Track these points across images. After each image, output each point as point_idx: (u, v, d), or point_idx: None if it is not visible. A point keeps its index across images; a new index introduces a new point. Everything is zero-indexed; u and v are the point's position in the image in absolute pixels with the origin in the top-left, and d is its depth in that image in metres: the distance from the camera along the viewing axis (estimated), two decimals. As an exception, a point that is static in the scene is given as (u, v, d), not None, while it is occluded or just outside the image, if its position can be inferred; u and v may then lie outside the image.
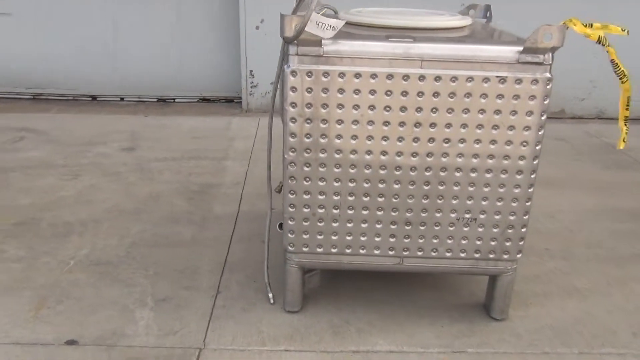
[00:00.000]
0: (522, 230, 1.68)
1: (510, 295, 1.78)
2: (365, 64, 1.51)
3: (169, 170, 2.94)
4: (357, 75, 1.52)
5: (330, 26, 1.46)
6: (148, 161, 3.06)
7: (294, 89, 1.54)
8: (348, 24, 1.73)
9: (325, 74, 1.52)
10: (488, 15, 2.15)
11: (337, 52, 1.51)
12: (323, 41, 1.49)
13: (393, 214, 1.66)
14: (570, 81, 4.13)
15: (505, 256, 1.71)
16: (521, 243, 1.69)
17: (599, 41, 1.59)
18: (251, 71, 4.09)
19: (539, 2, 3.85)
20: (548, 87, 1.53)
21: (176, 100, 4.38)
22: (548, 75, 1.52)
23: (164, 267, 2.03)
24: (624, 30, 1.63)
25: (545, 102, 1.54)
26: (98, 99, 4.36)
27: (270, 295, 1.84)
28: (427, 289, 1.94)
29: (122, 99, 4.36)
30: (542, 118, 1.56)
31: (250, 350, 1.61)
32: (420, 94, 1.53)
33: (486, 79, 1.52)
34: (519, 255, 1.71)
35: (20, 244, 2.15)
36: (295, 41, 1.49)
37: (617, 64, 1.69)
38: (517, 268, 1.75)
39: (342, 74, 1.52)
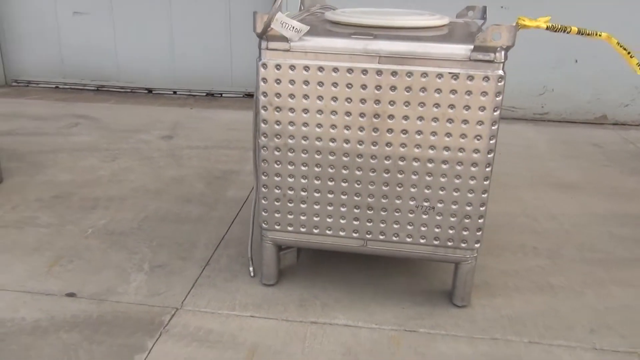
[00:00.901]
0: (480, 221, 1.76)
1: (471, 284, 1.86)
2: (327, 59, 1.66)
3: (197, 157, 3.20)
4: (321, 68, 1.67)
5: (294, 27, 1.62)
6: (181, 148, 3.33)
7: (264, 79, 1.71)
8: (332, 22, 1.88)
9: (292, 67, 1.68)
10: (484, 16, 2.23)
11: (302, 47, 1.67)
12: (292, 39, 1.65)
13: (356, 198, 1.79)
14: (613, 86, 4.03)
15: (464, 245, 1.79)
16: (479, 233, 1.77)
17: (550, 28, 1.64)
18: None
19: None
20: (500, 84, 1.61)
21: (223, 95, 4.67)
22: (500, 72, 1.60)
23: (167, 239, 2.26)
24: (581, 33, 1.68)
25: (498, 99, 1.62)
26: (153, 91, 4.73)
27: (251, 268, 2.02)
28: (402, 274, 2.05)
29: (174, 92, 4.70)
30: (495, 113, 1.64)
31: (219, 314, 1.80)
32: (378, 87, 1.66)
33: (440, 75, 1.62)
34: (477, 245, 1.79)
35: (53, 213, 2.46)
36: (265, 36, 1.66)
37: (583, 32, 1.71)
38: (477, 257, 1.83)
39: (306, 67, 1.67)
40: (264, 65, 1.69)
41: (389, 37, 1.66)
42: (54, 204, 2.54)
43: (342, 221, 1.83)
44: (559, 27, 1.66)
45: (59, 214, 2.44)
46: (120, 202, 2.58)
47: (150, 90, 4.74)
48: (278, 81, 1.70)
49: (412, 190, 1.75)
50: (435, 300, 1.91)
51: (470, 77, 1.61)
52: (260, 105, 1.74)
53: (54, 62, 4.79)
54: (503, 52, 1.59)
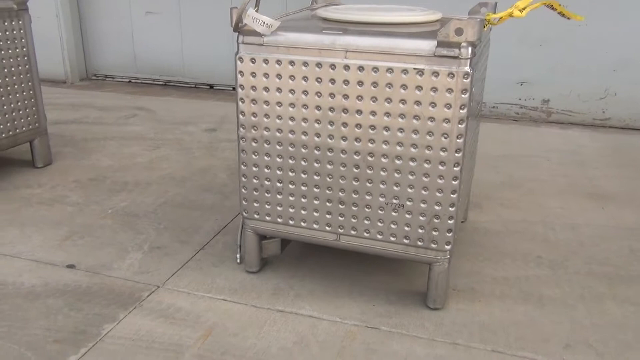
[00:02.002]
0: (449, 222, 1.71)
1: (445, 286, 1.81)
2: (298, 53, 1.70)
3: (231, 149, 3.33)
4: (292, 62, 1.70)
5: (264, 23, 1.68)
6: (219, 141, 3.49)
7: (241, 72, 1.78)
8: (319, 18, 1.92)
9: (266, 60, 1.73)
10: (495, 12, 2.16)
11: (275, 42, 1.72)
12: (264, 33, 1.71)
13: (328, 192, 1.81)
14: (685, 93, 3.69)
15: (434, 245, 1.75)
16: (449, 234, 1.73)
17: (523, 9, 1.57)
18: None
19: None
20: (466, 80, 1.56)
21: (278, 92, 4.79)
22: (466, 69, 1.55)
23: (174, 223, 2.39)
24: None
25: (464, 96, 1.58)
26: (214, 87, 4.96)
27: (238, 255, 2.09)
28: (384, 273, 2.03)
29: (233, 88, 4.90)
30: (462, 111, 1.59)
31: (194, 295, 1.89)
32: (346, 82, 1.67)
33: (405, 71, 1.60)
34: (448, 247, 1.75)
35: (83, 193, 2.68)
36: (241, 31, 1.73)
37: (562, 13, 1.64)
38: (450, 259, 1.78)
39: (279, 61, 1.72)
40: (240, 59, 1.76)
41: (358, 33, 1.66)
42: (87, 186, 2.76)
43: (315, 214, 1.85)
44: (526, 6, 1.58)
45: (88, 195, 2.66)
46: (145, 187, 2.76)
47: (211, 86, 4.97)
48: (253, 74, 1.76)
49: (382, 186, 1.74)
50: (409, 300, 1.88)
51: (435, 74, 1.58)
52: (238, 97, 1.81)
53: (128, 59, 5.17)
54: (469, 48, 1.54)
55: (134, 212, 2.49)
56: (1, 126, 2.70)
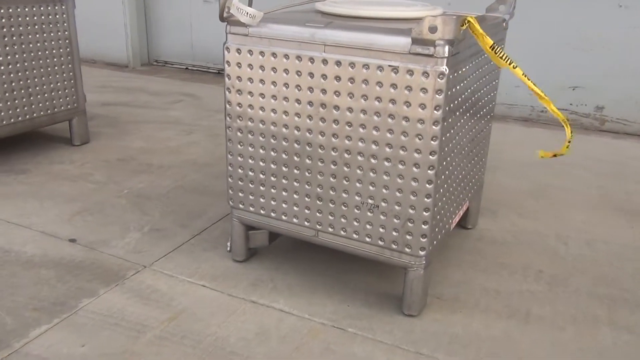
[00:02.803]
0: (424, 227, 1.65)
1: (420, 293, 1.75)
2: (280, 45, 1.69)
3: (260, 139, 3.36)
4: (274, 54, 1.70)
5: (248, 13, 1.68)
6: (251, 130, 3.53)
7: (228, 62, 1.79)
8: (319, 12, 1.89)
9: (250, 51, 1.73)
10: (512, 11, 2.05)
11: (259, 33, 1.71)
12: (249, 24, 1.71)
13: (307, 187, 1.79)
14: None
15: (408, 250, 1.69)
16: (424, 240, 1.66)
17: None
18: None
19: None
20: (441, 80, 1.49)
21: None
22: (441, 68, 1.48)
23: (181, 207, 2.45)
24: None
25: (439, 97, 1.50)
26: (265, 77, 5.02)
27: (228, 244, 2.12)
28: (370, 274, 1.99)
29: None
30: (437, 112, 1.52)
31: (175, 278, 1.94)
32: (324, 76, 1.64)
33: (380, 67, 1.55)
34: (422, 253, 1.68)
35: (107, 173, 2.81)
36: (228, 21, 1.74)
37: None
38: (427, 266, 1.71)
39: (262, 53, 1.71)
40: (227, 49, 1.77)
41: (337, 27, 1.63)
42: (113, 166, 2.89)
43: (295, 208, 1.84)
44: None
45: (111, 174, 2.78)
46: (165, 170, 2.85)
47: (262, 76, 5.04)
48: (239, 65, 1.77)
49: (358, 185, 1.70)
50: (387, 304, 1.83)
51: (410, 72, 1.52)
52: (225, 87, 1.82)
53: (186, 46, 5.34)
54: (446, 47, 1.47)
55: (147, 194, 2.58)
56: (40, 104, 2.88)
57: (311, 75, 1.66)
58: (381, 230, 1.71)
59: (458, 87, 1.62)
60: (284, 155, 1.80)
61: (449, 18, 1.43)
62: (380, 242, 1.73)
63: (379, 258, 1.76)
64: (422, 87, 1.52)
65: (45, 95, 2.89)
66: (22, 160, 2.90)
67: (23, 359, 1.53)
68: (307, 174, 1.78)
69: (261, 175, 1.86)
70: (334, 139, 1.69)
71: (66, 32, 2.93)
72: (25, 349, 1.56)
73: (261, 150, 1.83)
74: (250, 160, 1.87)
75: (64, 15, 2.90)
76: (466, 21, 1.46)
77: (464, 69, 1.65)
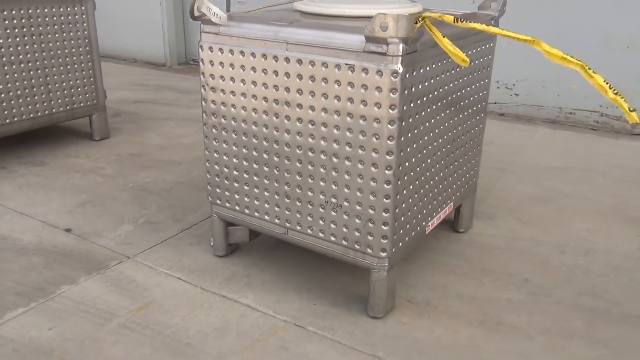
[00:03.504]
0: (384, 227, 1.62)
1: (384, 295, 1.72)
2: (247, 44, 1.70)
3: (273, 137, 3.40)
4: (242, 52, 1.72)
5: (215, 13, 1.71)
6: (267, 128, 3.57)
7: (202, 60, 1.82)
8: (294, 11, 1.90)
9: (221, 49, 1.76)
10: (501, 8, 1.99)
11: (228, 32, 1.74)
12: (220, 23, 1.73)
13: (276, 185, 1.80)
14: None
15: (370, 251, 1.67)
16: (384, 241, 1.63)
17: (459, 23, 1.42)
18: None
19: None
20: (395, 79, 1.46)
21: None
22: (395, 67, 1.45)
23: (178, 202, 2.52)
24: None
25: (394, 95, 1.48)
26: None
27: (212, 239, 2.16)
28: (346, 275, 1.97)
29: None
30: (392, 112, 1.50)
31: (154, 270, 1.99)
32: (287, 74, 1.64)
33: (338, 66, 1.54)
34: (383, 254, 1.65)
35: (117, 167, 2.91)
36: (201, 20, 1.77)
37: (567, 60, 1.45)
38: (390, 268, 1.68)
39: (232, 51, 1.74)
40: (201, 47, 1.80)
41: (299, 25, 1.63)
42: (125, 160, 3.00)
43: (266, 205, 1.85)
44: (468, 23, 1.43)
45: (121, 168, 2.89)
46: (173, 166, 2.93)
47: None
48: (212, 62, 1.80)
49: (322, 184, 1.70)
50: (355, 305, 1.81)
51: (365, 70, 1.50)
52: (201, 84, 1.86)
53: (220, 45, 5.44)
54: (400, 45, 1.44)
55: (150, 188, 2.66)
56: (59, 101, 3.03)
57: (276, 73, 1.67)
58: (344, 230, 1.70)
59: (422, 86, 1.58)
60: (254, 153, 1.81)
61: (401, 16, 1.40)
62: (344, 242, 1.72)
63: (344, 258, 1.75)
64: (376, 85, 1.49)
65: (65, 92, 3.04)
66: (42, 153, 3.05)
67: (-8, 340, 1.62)
68: (275, 171, 1.79)
69: (235, 172, 1.89)
70: (299, 137, 1.69)
71: (85, 32, 3.07)
72: (-3, 330, 1.66)
73: (234, 147, 1.86)
74: (225, 157, 1.89)
75: (84, 16, 3.03)
76: (420, 18, 1.42)
77: (431, 67, 1.61)
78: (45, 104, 2.96)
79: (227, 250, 2.08)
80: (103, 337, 1.63)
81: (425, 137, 1.69)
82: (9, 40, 2.75)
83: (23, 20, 2.78)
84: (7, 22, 2.72)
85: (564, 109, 3.73)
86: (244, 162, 1.85)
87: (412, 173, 1.66)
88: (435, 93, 1.68)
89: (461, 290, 1.90)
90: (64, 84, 3.02)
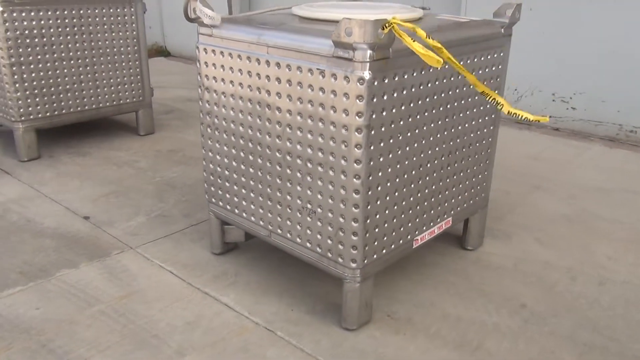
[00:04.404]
0: (354, 238, 1.58)
1: (355, 307, 1.67)
2: (234, 46, 1.73)
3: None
4: (230, 54, 1.74)
5: (208, 15, 1.74)
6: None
7: (198, 61, 1.87)
8: (291, 15, 1.90)
9: (214, 51, 1.79)
10: (513, 15, 1.89)
11: (219, 34, 1.77)
12: (212, 25, 1.77)
13: (260, 187, 1.81)
14: None
15: (341, 260, 1.63)
16: (354, 252, 1.59)
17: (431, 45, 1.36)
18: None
19: None
20: (361, 86, 1.42)
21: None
22: (361, 73, 1.41)
23: (195, 198, 2.59)
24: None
25: (360, 103, 1.44)
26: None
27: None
28: (331, 283, 1.92)
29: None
30: (359, 119, 1.46)
31: (150, 262, 2.06)
32: (268, 77, 1.65)
33: (310, 70, 1.52)
34: (353, 265, 1.61)
35: (152, 161, 3.04)
36: (197, 22, 1.81)
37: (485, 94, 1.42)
38: (363, 280, 1.64)
39: (222, 52, 1.77)
40: (197, 48, 1.85)
41: (281, 29, 1.62)
42: (161, 155, 3.13)
43: (252, 207, 1.86)
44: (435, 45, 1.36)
45: (154, 163, 3.01)
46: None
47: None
48: (206, 63, 1.84)
49: (299, 189, 1.68)
50: (331, 315, 1.77)
51: (334, 76, 1.47)
52: (198, 84, 1.90)
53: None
54: (368, 51, 1.40)
55: (174, 183, 2.76)
56: (106, 96, 3.21)
57: (258, 75, 1.68)
58: (318, 236, 1.67)
59: (399, 94, 1.52)
60: (241, 154, 1.83)
61: (365, 21, 1.36)
62: (318, 249, 1.69)
63: (318, 265, 1.72)
64: (344, 92, 1.46)
65: (112, 88, 3.22)
66: (89, 145, 3.25)
67: (-15, 313, 1.75)
68: (259, 173, 1.79)
69: (226, 172, 1.92)
70: (278, 140, 1.69)
71: (134, 32, 3.23)
72: (-9, 305, 1.79)
73: (225, 148, 1.89)
74: (217, 157, 1.93)
75: (133, 17, 3.20)
76: (387, 24, 1.38)
77: (411, 75, 1.54)
78: (92, 98, 3.16)
79: (222, 249, 2.11)
80: (80, 321, 1.72)
81: (407, 147, 1.63)
82: (61, 38, 2.95)
83: (75, 20, 2.98)
84: (59, 21, 2.93)
85: (624, 126, 3.45)
86: (233, 163, 1.87)
87: (387, 184, 1.60)
88: (419, 102, 1.62)
89: (449, 310, 1.81)
90: (111, 80, 3.20)
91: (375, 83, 1.44)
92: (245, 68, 1.71)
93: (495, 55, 1.88)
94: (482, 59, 1.82)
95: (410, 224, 1.76)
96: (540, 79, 3.71)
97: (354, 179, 1.52)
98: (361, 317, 1.71)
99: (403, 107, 1.57)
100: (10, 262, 2.04)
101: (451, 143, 1.82)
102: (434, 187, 1.81)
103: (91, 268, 2.01)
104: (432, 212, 1.84)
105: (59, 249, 2.14)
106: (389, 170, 1.60)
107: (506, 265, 2.08)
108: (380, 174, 1.57)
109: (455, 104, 1.78)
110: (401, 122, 1.58)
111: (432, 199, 1.82)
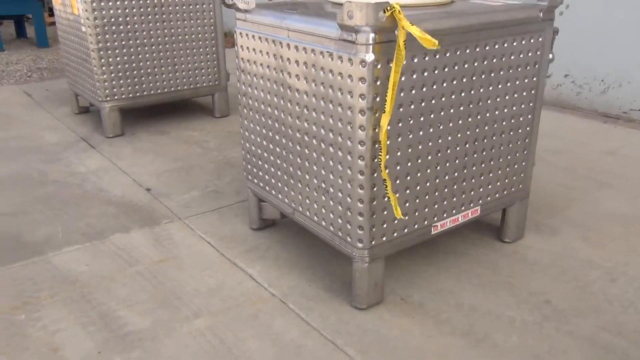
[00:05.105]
0: (359, 218, 1.61)
1: (364, 286, 1.71)
2: (262, 30, 1.81)
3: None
4: (260, 38, 1.83)
5: (243, 0, 1.84)
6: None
7: (236, 45, 1.97)
8: (328, 1, 1.95)
9: (247, 35, 1.89)
10: (555, -1, 1.80)
11: (252, 19, 1.86)
12: (246, 10, 1.87)
13: (285, 165, 1.88)
14: None
15: (349, 239, 1.67)
16: (360, 232, 1.63)
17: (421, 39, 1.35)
18: (547, 60, 3.84)
19: None
20: (363, 68, 1.44)
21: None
22: (363, 56, 1.44)
23: (238, 180, 2.72)
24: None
25: (362, 85, 1.46)
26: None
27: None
28: (357, 263, 1.98)
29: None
30: (362, 101, 1.48)
31: (193, 232, 2.22)
32: (289, 60, 1.72)
33: (322, 53, 1.57)
34: (360, 245, 1.64)
35: (220, 142, 3.23)
36: (235, 8, 1.92)
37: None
38: (372, 261, 1.66)
39: (253, 36, 1.86)
40: (235, 32, 1.95)
41: (302, 13, 1.68)
42: (229, 137, 3.31)
43: (279, 184, 1.95)
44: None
45: (222, 144, 3.20)
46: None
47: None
48: (242, 47, 1.94)
49: (315, 168, 1.74)
50: (346, 294, 1.81)
51: (340, 58, 1.51)
52: (236, 68, 2.01)
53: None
54: (370, 34, 1.42)
55: (234, 162, 2.92)
56: (184, 80, 3.45)
57: (281, 58, 1.75)
58: (331, 215, 1.72)
59: (409, 78, 1.53)
60: (270, 134, 1.92)
61: (365, 4, 1.38)
62: (331, 228, 1.74)
63: (331, 244, 1.77)
64: (348, 74, 1.50)
65: (190, 72, 3.45)
66: (168, 124, 3.52)
67: (44, 264, 2.00)
68: (284, 152, 1.87)
69: (259, 151, 2.02)
70: (298, 121, 1.75)
71: (212, 20, 3.43)
72: (50, 258, 2.03)
73: (257, 127, 1.98)
74: (252, 136, 2.03)
75: (211, 5, 3.40)
76: (388, 8, 1.38)
77: (422, 59, 1.54)
78: (171, 81, 3.40)
79: (260, 224, 2.22)
80: (119, 278, 1.91)
81: (420, 132, 1.63)
82: (143, 25, 3.22)
83: (156, 8, 3.23)
84: (142, 9, 3.19)
85: None
86: (264, 142, 1.97)
87: (397, 167, 1.61)
88: (433, 86, 1.60)
89: (466, 299, 1.79)
90: (189, 64, 3.43)
91: (379, 66, 1.46)
92: (271, 51, 1.79)
93: (531, 41, 1.80)
94: (514, 44, 1.75)
95: (427, 209, 1.75)
96: (629, 71, 3.43)
97: (359, 160, 1.55)
98: (370, 297, 1.74)
99: (413, 91, 1.57)
100: (77, 224, 2.30)
101: (477, 130, 1.78)
102: (456, 174, 1.78)
103: (140, 234, 2.21)
104: (454, 199, 1.82)
105: (118, 215, 2.37)
106: (398, 153, 1.60)
107: (542, 261, 1.99)
108: (387, 156, 1.58)
109: (482, 90, 1.74)
110: (412, 106, 1.58)
111: (455, 186, 1.80)
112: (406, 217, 1.68)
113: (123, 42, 3.18)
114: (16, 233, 2.22)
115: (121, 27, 3.15)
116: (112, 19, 3.11)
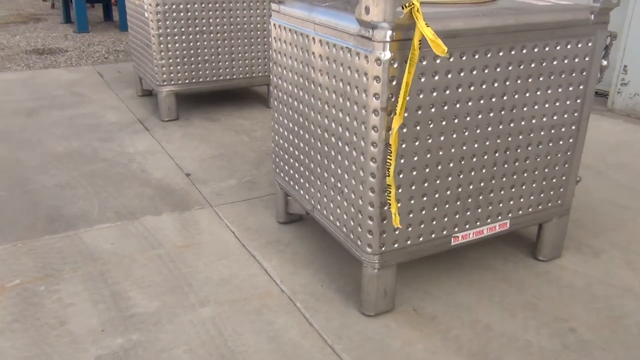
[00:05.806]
0: (369, 222, 1.55)
1: (373, 293, 1.65)
2: (291, 22, 1.78)
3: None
4: (290, 30, 1.80)
5: (279, -9, 1.81)
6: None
7: (270, 37, 1.95)
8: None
9: (280, 27, 1.86)
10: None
11: (284, 11, 1.83)
12: (280, 1, 1.84)
13: (307, 161, 1.85)
14: None
15: (359, 243, 1.61)
16: (370, 236, 1.56)
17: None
18: (625, 66, 3.56)
19: None
20: (378, 67, 1.38)
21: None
22: (378, 54, 1.37)
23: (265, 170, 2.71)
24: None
25: (377, 84, 1.40)
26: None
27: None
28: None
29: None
30: (375, 100, 1.42)
31: (220, 220, 2.23)
32: (313, 54, 1.68)
33: (342, 48, 1.52)
34: (369, 249, 1.58)
35: (267, 132, 3.23)
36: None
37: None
38: (382, 268, 1.60)
39: (284, 28, 1.83)
40: (269, 24, 1.93)
41: (330, 7, 1.62)
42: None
43: (301, 180, 1.92)
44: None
45: (267, 134, 3.20)
46: (314, 140, 3.13)
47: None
48: (274, 39, 1.92)
49: (332, 167, 1.69)
50: (356, 298, 1.76)
51: (358, 55, 1.45)
52: (270, 59, 1.99)
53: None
54: (387, 31, 1.35)
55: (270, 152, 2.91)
56: (240, 69, 3.48)
57: (307, 52, 1.71)
58: (345, 216, 1.67)
59: (429, 79, 1.44)
60: (295, 128, 1.89)
61: (382, 0, 1.32)
62: (344, 229, 1.69)
63: (344, 245, 1.72)
64: (364, 71, 1.44)
65: (246, 61, 3.48)
66: (221, 112, 3.57)
67: (74, 239, 2.08)
68: (306, 148, 1.84)
69: (285, 144, 1.99)
70: (319, 117, 1.71)
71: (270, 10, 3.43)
72: (81, 234, 2.11)
73: (285, 121, 1.96)
74: (280, 129, 2.01)
75: (271, -5, 3.40)
76: (407, 4, 1.31)
77: (444, 59, 1.45)
78: (227, 70, 3.45)
79: (286, 218, 2.20)
80: (138, 260, 1.95)
81: (441, 137, 1.54)
82: (203, 13, 3.27)
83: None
84: (203, -3, 3.25)
85: None
86: (290, 136, 1.94)
87: (413, 172, 1.54)
88: (458, 90, 1.51)
89: (482, 317, 1.68)
90: (245, 54, 3.46)
91: (395, 65, 1.38)
92: (298, 44, 1.75)
93: (579, 45, 1.66)
94: (558, 48, 1.62)
95: (446, 219, 1.66)
96: None
97: (371, 162, 1.49)
98: (379, 304, 1.67)
99: (435, 94, 1.48)
100: (113, 202, 2.38)
101: (509, 139, 1.66)
102: (482, 183, 1.68)
103: (169, 217, 2.25)
104: (479, 210, 1.71)
105: (153, 197, 2.42)
106: (415, 158, 1.53)
107: (575, 284, 1.84)
108: (402, 160, 1.51)
109: (516, 96, 1.62)
110: (432, 110, 1.50)
111: (480, 197, 1.69)
112: (409, 229, 1.60)
113: (183, 29, 3.25)
114: (58, 206, 2.33)
115: (182, 14, 3.22)
116: (174, 6, 3.18)
